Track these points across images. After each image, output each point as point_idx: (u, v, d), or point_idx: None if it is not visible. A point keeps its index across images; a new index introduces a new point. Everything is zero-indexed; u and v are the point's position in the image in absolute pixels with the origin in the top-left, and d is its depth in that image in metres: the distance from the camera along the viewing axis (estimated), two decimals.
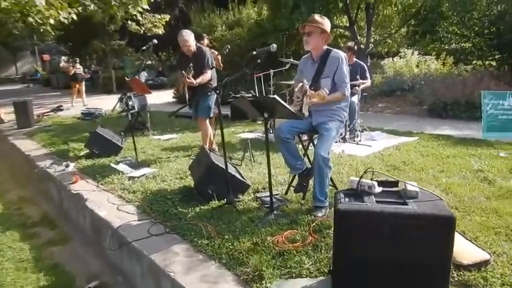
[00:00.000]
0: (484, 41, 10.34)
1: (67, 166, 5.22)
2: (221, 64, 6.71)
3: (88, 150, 5.78)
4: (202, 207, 3.47)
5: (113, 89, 19.06)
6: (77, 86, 13.19)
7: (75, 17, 8.77)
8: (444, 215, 1.57)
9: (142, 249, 2.85)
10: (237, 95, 3.24)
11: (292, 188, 3.64)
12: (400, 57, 11.97)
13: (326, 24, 3.23)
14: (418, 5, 11.53)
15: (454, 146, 5.37)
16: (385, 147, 5.56)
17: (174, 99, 13.76)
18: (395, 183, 1.90)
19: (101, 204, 3.83)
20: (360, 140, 5.99)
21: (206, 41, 6.43)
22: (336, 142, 5.86)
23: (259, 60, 3.30)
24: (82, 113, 10.36)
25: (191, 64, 4.79)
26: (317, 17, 3.28)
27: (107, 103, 11.97)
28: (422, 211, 1.59)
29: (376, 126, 7.12)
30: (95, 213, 3.67)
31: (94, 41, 23.64)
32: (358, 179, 1.82)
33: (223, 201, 3.49)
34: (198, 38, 5.69)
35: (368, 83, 6.45)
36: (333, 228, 1.98)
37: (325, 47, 3.32)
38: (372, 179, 1.80)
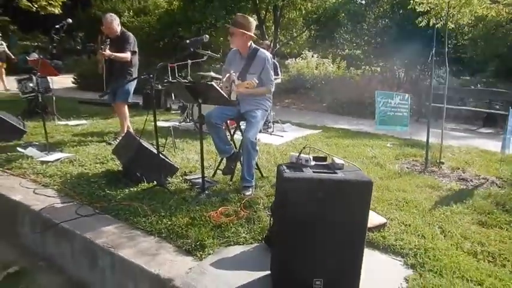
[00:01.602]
0: (371, 50, 11.92)
1: None
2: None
3: None
4: (131, 189, 3.48)
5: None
6: None
7: None
8: (365, 180, 2.00)
9: (73, 229, 2.79)
10: (172, 81, 3.32)
11: (219, 171, 3.87)
12: (302, 59, 13.04)
13: (248, 25, 3.48)
14: (319, 11, 12.70)
15: (352, 138, 6.23)
16: (295, 138, 6.16)
17: (75, 85, 12.71)
18: (324, 158, 2.29)
19: (13, 189, 3.53)
20: (273, 131, 6.50)
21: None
22: None
23: (192, 49, 3.44)
24: None
25: (108, 39, 4.88)
26: (239, 19, 3.52)
27: None
28: (349, 178, 1.99)
29: (285, 119, 7.74)
30: (7, 198, 3.37)
31: None
32: (297, 154, 2.15)
33: (153, 184, 3.55)
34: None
35: (279, 79, 7.00)
36: (275, 196, 2.27)
37: (253, 45, 3.61)
38: (306, 154, 2.16)
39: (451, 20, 4.59)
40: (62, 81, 13.19)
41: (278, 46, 13.41)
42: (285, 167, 2.09)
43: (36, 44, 20.06)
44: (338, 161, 2.15)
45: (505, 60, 12.35)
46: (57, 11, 11.45)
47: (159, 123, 6.93)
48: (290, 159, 2.18)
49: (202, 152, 3.37)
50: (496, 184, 4.03)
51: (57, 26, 4.71)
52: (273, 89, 3.65)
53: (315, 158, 2.24)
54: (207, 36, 3.41)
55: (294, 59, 13.49)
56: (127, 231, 2.78)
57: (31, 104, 6.71)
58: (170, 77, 7.40)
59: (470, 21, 5.19)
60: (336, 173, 2.06)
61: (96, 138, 5.50)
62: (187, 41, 3.41)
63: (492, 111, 8.50)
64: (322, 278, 2.06)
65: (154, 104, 3.46)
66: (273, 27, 13.52)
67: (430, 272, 2.31)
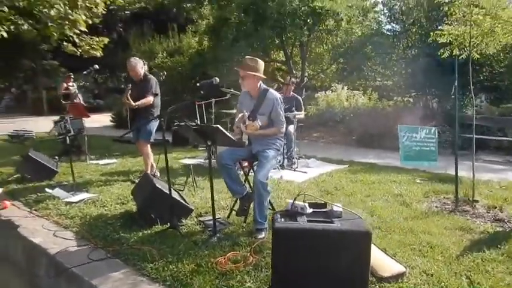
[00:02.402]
0: (402, 80, 11.68)
1: None
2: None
3: (19, 175, 5.44)
4: (145, 232, 3.49)
5: (43, 110, 17.97)
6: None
7: (5, 34, 8.32)
8: (362, 231, 1.86)
9: (82, 275, 2.80)
10: (181, 123, 3.40)
11: (234, 212, 3.81)
12: (332, 91, 12.98)
13: (257, 67, 3.53)
14: (345, 45, 12.73)
15: (379, 173, 5.97)
16: (320, 174, 6.00)
17: (112, 123, 13.38)
18: (324, 205, 2.18)
19: (35, 231, 3.66)
20: (297, 167, 6.38)
21: (146, 67, 6.57)
22: (275, 169, 6.18)
23: (202, 92, 3.52)
24: (9, 135, 9.65)
25: (129, 85, 5.12)
26: (248, 61, 3.57)
27: (37, 125, 11.28)
28: (345, 228, 1.87)
29: (311, 154, 7.62)
30: (28, 240, 3.49)
31: (23, 59, 22.18)
32: (292, 201, 2.07)
33: (167, 226, 3.55)
34: None
35: (302, 114, 6.95)
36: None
37: (262, 85, 3.64)
38: (304, 201, 2.07)
39: (475, 50, 4.40)
40: (101, 120, 14.03)
41: (306, 80, 13.48)
42: (278, 215, 2.01)
43: (82, 83, 21.60)
44: (337, 208, 2.04)
45: None
46: (98, 54, 12.25)
47: (186, 161, 7.08)
48: (286, 206, 2.10)
49: (212, 193, 3.35)
50: None
51: (84, 72, 5.04)
52: (283, 130, 3.62)
53: (313, 205, 2.14)
54: (216, 79, 3.50)
55: (324, 91, 13.49)
56: (132, 278, 2.76)
57: (68, 144, 7.08)
58: (198, 115, 7.61)
59: (499, 49, 4.93)
60: (332, 222, 1.94)
61: (123, 178, 5.66)
62: (198, 84, 3.51)
63: None
64: None
65: (165, 143, 3.53)
66: (300, 63, 13.65)
67: None
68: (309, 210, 2.07)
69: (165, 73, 7.73)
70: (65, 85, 11.62)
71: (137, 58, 5.36)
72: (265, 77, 3.60)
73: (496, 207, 4.17)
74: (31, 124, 12.41)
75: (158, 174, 5.39)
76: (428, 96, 11.04)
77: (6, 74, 22.84)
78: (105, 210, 4.15)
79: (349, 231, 1.85)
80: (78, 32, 10.40)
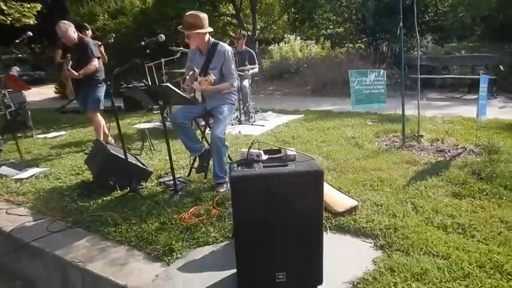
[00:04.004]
0: (353, 26, 11.76)
1: None
2: (105, 56, 6.43)
3: None
4: (104, 199, 3.45)
5: None
6: None
7: None
8: (314, 170, 1.94)
9: (44, 247, 2.76)
10: (129, 85, 3.25)
11: (194, 170, 3.83)
12: (285, 43, 12.88)
13: (200, 23, 3.33)
14: None
15: (333, 119, 6.17)
16: (277, 125, 6.10)
17: (57, 95, 12.60)
18: (278, 151, 2.24)
19: None
20: (254, 121, 6.43)
21: (90, 32, 6.12)
22: (233, 124, 6.22)
23: (148, 51, 3.36)
24: None
25: (68, 55, 4.65)
26: (189, 19, 3.33)
27: None
28: (298, 169, 1.95)
29: (268, 107, 7.67)
30: None
31: None
32: (247, 150, 2.10)
33: (126, 190, 3.51)
34: (80, 29, 5.41)
35: (256, 68, 6.89)
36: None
37: (211, 39, 3.51)
38: (259, 149, 2.11)
39: None
40: (45, 92, 13.19)
41: (258, 33, 13.23)
42: (235, 165, 2.05)
43: (17, 56, 19.82)
44: (290, 152, 2.10)
45: (490, 23, 12.22)
46: (32, 21, 11.21)
47: (140, 125, 6.90)
48: (241, 155, 2.13)
49: (170, 153, 3.32)
50: (474, 152, 3.99)
51: (17, 41, 4.61)
52: (235, 83, 3.58)
53: (268, 152, 2.19)
54: (162, 36, 3.32)
55: (277, 44, 13.35)
56: (98, 243, 2.75)
57: (9, 120, 6.63)
58: (148, 77, 7.33)
59: None
60: (287, 165, 2.01)
61: (74, 149, 5.46)
62: (143, 43, 3.34)
63: (475, 76, 8.40)
64: (284, 271, 2.04)
65: (116, 108, 3.40)
66: (250, 16, 13.30)
67: (398, 252, 2.29)
68: (265, 157, 2.12)
69: (114, 35, 7.22)
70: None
71: (67, 22, 4.80)
72: (211, 29, 3.47)
73: (438, 140, 4.49)
74: None
75: (113, 141, 5.23)
76: (378, 41, 11.25)
77: None
78: (60, 182, 4.02)
79: (303, 171, 1.92)
80: None
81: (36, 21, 12.42)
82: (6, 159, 5.09)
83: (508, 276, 1.99)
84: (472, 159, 3.77)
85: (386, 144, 4.57)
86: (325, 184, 2.16)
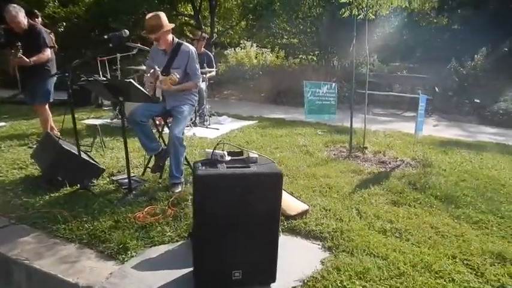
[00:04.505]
0: (307, 39, 12.25)
1: None
2: (55, 45, 6.13)
3: None
4: (52, 195, 3.31)
5: None
6: None
7: None
8: (275, 172, 2.08)
9: None
10: (89, 78, 3.17)
11: (148, 170, 3.81)
12: (241, 48, 13.06)
13: (163, 22, 3.38)
14: (254, 1, 12.74)
15: (286, 127, 6.42)
16: (231, 130, 6.21)
17: None
18: (241, 153, 2.35)
19: None
20: (209, 124, 6.49)
21: (40, 20, 5.81)
22: (188, 126, 6.20)
23: (111, 45, 3.30)
24: None
25: (19, 43, 4.33)
26: (152, 21, 3.34)
27: None
28: (260, 170, 2.07)
29: (223, 111, 7.75)
30: None
31: None
32: (212, 150, 2.19)
33: (77, 187, 3.41)
34: (30, 15, 5.12)
35: (214, 71, 6.97)
36: (192, 195, 2.31)
37: (175, 39, 3.55)
38: (223, 150, 2.20)
39: (371, 11, 4.84)
40: None
41: (215, 36, 13.29)
42: (199, 164, 2.13)
43: None
44: (252, 155, 2.22)
45: (428, 48, 13.36)
46: None
47: (90, 121, 6.66)
48: (205, 155, 2.21)
49: (126, 151, 3.29)
50: (410, 165, 4.40)
51: None
52: (199, 83, 3.64)
53: (231, 153, 2.29)
54: (126, 31, 3.29)
55: (233, 49, 13.49)
56: (45, 241, 2.66)
57: None
58: (100, 72, 7.08)
59: (391, 11, 5.50)
60: (249, 166, 2.12)
61: (17, 142, 5.13)
62: (106, 36, 3.28)
63: (414, 95, 9.18)
64: (241, 269, 2.14)
65: (72, 102, 3.29)
66: (209, 18, 13.33)
67: (344, 253, 2.49)
68: (228, 158, 2.21)
69: (64, 24, 6.89)
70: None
71: (17, 6, 4.50)
72: (173, 25, 3.50)
73: (380, 152, 4.87)
74: None
75: (58, 134, 4.99)
76: (330, 55, 11.82)
77: None
78: (1, 177, 3.78)
79: (264, 173, 2.05)
80: None
81: None
82: None
83: (436, 275, 2.27)
84: (409, 171, 4.15)
85: (334, 154, 4.87)
86: None
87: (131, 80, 2.93)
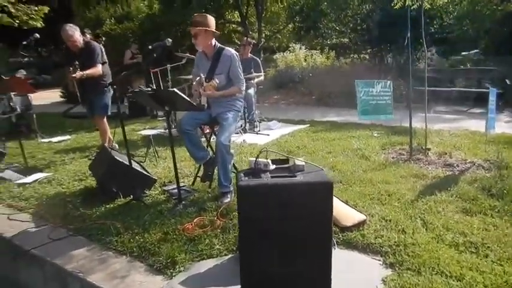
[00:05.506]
0: (358, 37, 11.78)
1: None
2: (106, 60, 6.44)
3: None
4: (107, 206, 3.39)
5: None
6: None
7: None
8: (324, 181, 1.90)
9: (44, 256, 2.70)
10: (136, 89, 3.23)
11: (198, 179, 3.77)
12: (290, 52, 12.89)
13: (208, 22, 3.36)
14: (300, 2, 12.53)
15: (339, 130, 6.12)
16: (282, 135, 6.05)
17: (63, 99, 12.61)
18: (286, 161, 2.20)
19: None
20: (259, 130, 6.39)
21: (89, 37, 6.14)
22: (237, 133, 6.17)
23: (155, 55, 3.33)
24: None
25: (76, 62, 4.49)
26: (198, 18, 3.40)
27: None
28: (307, 180, 1.90)
29: (273, 116, 7.62)
30: None
31: None
32: (254, 159, 2.06)
33: (130, 198, 3.46)
34: (82, 33, 5.40)
35: (262, 76, 6.87)
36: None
37: (217, 44, 3.50)
38: (267, 158, 2.07)
39: (426, 0, 4.45)
40: (50, 96, 13.19)
41: (263, 41, 13.28)
42: (242, 174, 2.00)
43: (25, 60, 19.91)
44: (299, 162, 2.05)
45: (493, 37, 12.20)
46: (39, 24, 11.21)
47: (145, 132, 6.87)
48: (249, 165, 2.08)
49: (174, 161, 3.28)
50: (483, 167, 3.93)
51: (24, 43, 4.58)
52: (243, 87, 3.55)
53: (276, 162, 2.14)
54: (169, 40, 3.30)
55: (282, 53, 13.37)
56: (99, 253, 2.70)
57: (12, 124, 6.62)
58: (154, 83, 7.32)
59: (449, 0, 5.05)
60: (295, 176, 1.96)
61: (79, 154, 5.41)
62: (150, 47, 3.31)
63: (481, 90, 8.35)
64: (290, 286, 1.97)
65: (121, 113, 3.36)
66: (256, 23, 13.36)
67: (409, 271, 2.22)
68: (272, 167, 2.07)
69: (104, 38, 7.28)
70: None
71: (73, 25, 4.69)
72: (218, 32, 3.45)
73: (446, 154, 4.42)
74: None
75: (117, 146, 5.18)
76: (383, 52, 11.25)
77: None
78: (63, 188, 3.97)
79: (312, 182, 1.88)
80: (13, 0, 9.46)
81: (43, 24, 12.48)
82: (10, 163, 5.06)
83: None
84: (481, 175, 3.70)
85: (393, 157, 4.51)
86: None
87: (174, 89, 2.92)
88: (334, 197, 2.90)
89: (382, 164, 4.25)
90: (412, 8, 4.40)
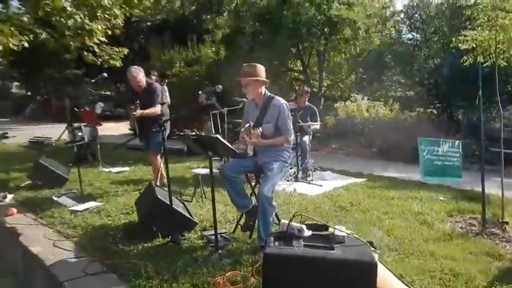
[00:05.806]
0: (425, 91, 11.25)
1: (4, 197, 4.87)
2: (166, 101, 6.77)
3: (30, 181, 5.45)
4: (145, 245, 3.34)
5: (67, 118, 18.32)
6: None
7: (26, 44, 8.51)
8: (366, 261, 1.62)
9: None
10: (180, 133, 3.28)
11: (240, 226, 3.60)
12: (351, 102, 12.64)
13: (257, 72, 3.34)
14: (364, 55, 12.44)
15: (399, 188, 5.63)
16: (335, 187, 5.72)
17: (131, 131, 13.47)
18: (325, 227, 1.94)
19: (36, 240, 3.57)
20: (312, 180, 6.13)
21: (154, 78, 6.54)
22: (289, 181, 5.97)
23: (206, 100, 3.39)
24: (30, 141, 9.81)
25: (137, 101, 4.76)
26: (247, 68, 3.39)
27: (59, 132, 11.47)
28: (346, 256, 1.63)
29: (328, 166, 7.33)
30: (28, 249, 3.40)
31: (48, 68, 22.84)
32: (288, 222, 1.85)
33: (168, 239, 3.38)
34: (147, 74, 5.74)
35: (318, 125, 6.68)
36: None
37: (267, 93, 3.46)
38: (301, 222, 1.84)
39: (501, 57, 4.07)
40: (120, 128, 14.17)
41: (324, 90, 13.26)
42: (272, 239, 1.79)
43: (104, 94, 21.98)
44: (339, 232, 1.79)
45: None
46: (118, 64, 12.34)
47: (198, 170, 6.91)
48: (282, 227, 1.87)
49: (214, 206, 3.17)
50: None
51: (93, 80, 4.95)
52: (291, 139, 3.42)
53: (312, 227, 1.90)
54: (219, 86, 3.36)
55: (343, 102, 13.16)
56: None
57: (78, 152, 7.10)
58: (213, 126, 7.50)
59: None
60: (332, 248, 1.70)
61: (132, 187, 5.56)
62: (200, 92, 3.38)
63: None
64: None
65: (166, 150, 3.40)
66: (317, 73, 13.46)
67: None
68: (307, 233, 1.84)
69: (166, 80, 7.74)
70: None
71: (138, 67, 4.97)
72: (267, 81, 3.41)
73: None
74: (54, 131, 12.63)
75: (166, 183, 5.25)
76: (452, 108, 10.57)
77: (31, 83, 23.53)
78: (109, 220, 4.03)
79: (351, 260, 1.61)
80: (98, 42, 10.57)
81: (122, 64, 13.72)
82: (70, 188, 5.35)
83: None
84: None
85: (461, 227, 3.97)
86: (383, 268, 1.80)
87: (217, 136, 2.89)
88: (385, 269, 2.55)
89: (448, 234, 3.74)
90: (484, 65, 4.05)
